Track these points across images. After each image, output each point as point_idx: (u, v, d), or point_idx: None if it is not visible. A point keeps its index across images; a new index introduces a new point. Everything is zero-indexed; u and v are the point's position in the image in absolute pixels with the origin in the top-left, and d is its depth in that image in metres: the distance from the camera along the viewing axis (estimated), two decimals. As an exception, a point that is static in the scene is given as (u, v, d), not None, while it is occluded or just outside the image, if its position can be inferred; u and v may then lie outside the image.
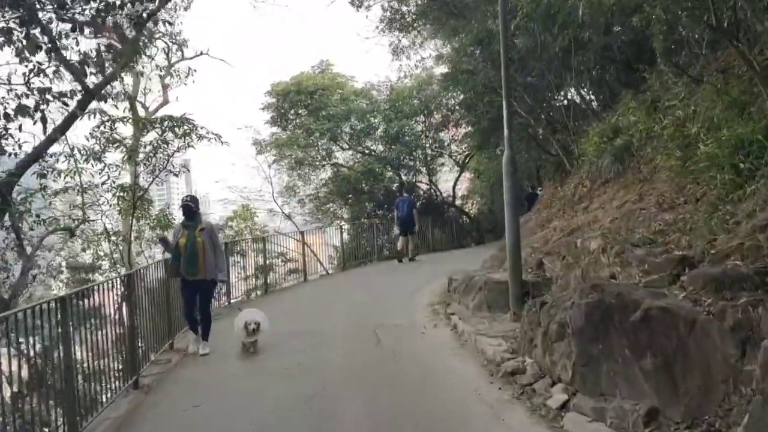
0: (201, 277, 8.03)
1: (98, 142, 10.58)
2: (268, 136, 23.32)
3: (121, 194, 11.06)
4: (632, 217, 7.78)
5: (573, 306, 5.22)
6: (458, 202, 27.61)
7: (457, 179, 27.12)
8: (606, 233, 7.80)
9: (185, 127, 10.74)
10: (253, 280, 15.54)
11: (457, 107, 19.31)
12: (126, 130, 11.58)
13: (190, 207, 8.12)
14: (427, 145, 25.34)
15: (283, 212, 23.16)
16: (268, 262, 16.18)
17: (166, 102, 14.79)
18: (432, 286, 12.80)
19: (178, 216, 11.03)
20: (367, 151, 24.29)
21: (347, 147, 24.30)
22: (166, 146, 10.94)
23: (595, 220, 9.28)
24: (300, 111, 23.57)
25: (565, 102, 11.96)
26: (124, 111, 12.58)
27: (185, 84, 14.78)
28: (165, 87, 14.94)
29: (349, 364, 7.06)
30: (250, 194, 22.27)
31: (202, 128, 10.86)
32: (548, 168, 14.34)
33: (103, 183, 10.60)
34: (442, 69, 25.38)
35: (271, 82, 23.90)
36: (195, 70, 14.90)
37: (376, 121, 23.92)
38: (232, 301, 12.94)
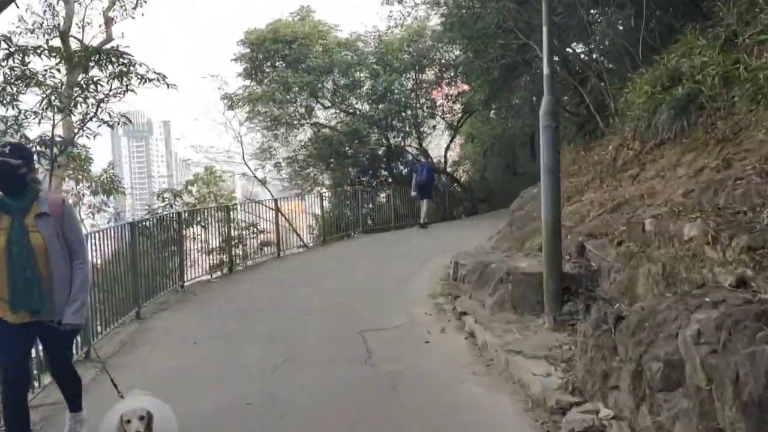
0: (46, 318, 3.84)
1: (7, 79, 8.13)
2: (240, 90, 20.75)
3: (41, 149, 8.65)
4: (722, 189, 5.59)
5: (727, 350, 3.02)
6: (449, 168, 25.40)
7: (449, 144, 24.84)
8: (681, 209, 5.66)
9: (120, 64, 8.27)
10: (217, 255, 13.26)
11: (461, 54, 16.68)
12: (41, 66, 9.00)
13: (11, 168, 3.72)
14: (418, 105, 22.96)
15: (255, 177, 20.73)
16: (235, 233, 13.93)
17: (109, 39, 12.20)
18: (429, 267, 10.66)
19: (128, 178, 8.48)
20: (351, 110, 21.84)
21: (329, 105, 21.81)
22: (95, 88, 8.47)
23: (652, 192, 7.11)
24: (276, 63, 20.98)
25: (601, 45, 9.65)
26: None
27: (132, 17, 12.18)
28: (108, 21, 12.33)
29: (328, 402, 4.83)
30: (218, 155, 19.87)
31: (141, 65, 8.40)
32: (568, 129, 12.09)
33: (4, 132, 8.14)
34: (436, 20, 23.00)
35: (245, 30, 21.25)
36: (145, 1, 12.30)
37: (361, 75, 21.45)
38: (187, 283, 10.65)
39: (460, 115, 24.08)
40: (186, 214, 11.64)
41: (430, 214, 17.57)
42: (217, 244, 13.15)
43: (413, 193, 17.70)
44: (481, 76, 12.14)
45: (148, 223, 10.32)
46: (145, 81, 8.58)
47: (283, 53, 20.46)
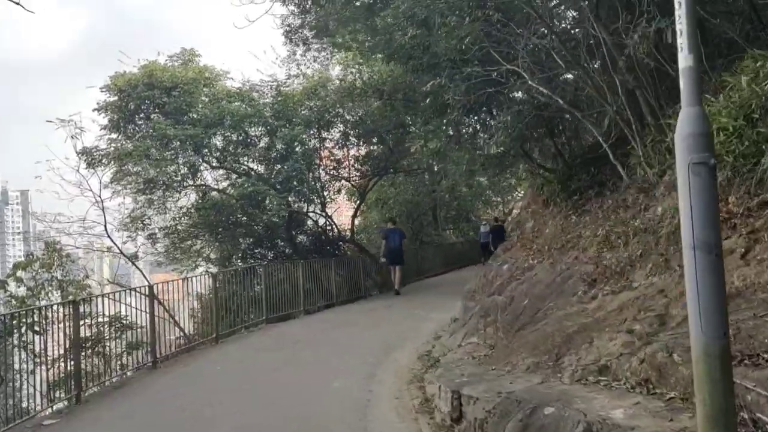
0: None
1: None
2: (105, 144, 16.72)
3: None
4: None
5: None
6: (357, 236, 22.40)
7: (357, 209, 21.89)
8: None
9: None
10: (64, 365, 9.19)
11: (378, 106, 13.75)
12: None
13: None
14: (322, 166, 19.96)
15: (123, 253, 16.52)
16: (92, 332, 10.04)
17: None
18: (386, 386, 7.37)
19: None
20: (245, 171, 18.36)
21: (217, 164, 18.22)
22: None
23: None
24: (152, 114, 17.27)
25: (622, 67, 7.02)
26: None
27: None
28: None
29: None
30: (71, 226, 15.58)
31: None
32: (546, 187, 9.45)
33: None
34: (338, 70, 20.43)
35: (112, 74, 17.38)
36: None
37: (257, 131, 18.19)
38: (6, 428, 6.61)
39: (368, 178, 21.34)
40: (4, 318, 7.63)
41: (401, 279, 17.24)
42: (63, 351, 9.14)
43: (382, 260, 17.41)
44: (435, 118, 9.28)
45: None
46: None
47: (160, 101, 16.83)
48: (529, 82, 7.29)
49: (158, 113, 17.10)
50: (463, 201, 32.61)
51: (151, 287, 10.13)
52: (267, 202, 17.03)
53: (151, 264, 20.43)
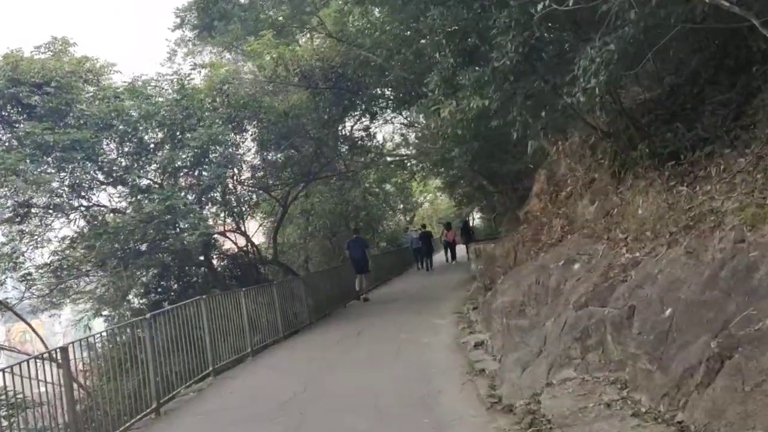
0: None
1: None
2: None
3: None
4: None
5: None
6: (281, 257, 19.26)
7: (279, 224, 18.79)
8: None
9: None
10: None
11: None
12: None
13: None
14: (237, 177, 16.69)
15: (4, 304, 12.44)
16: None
17: None
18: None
19: None
20: (146, 186, 14.69)
21: (112, 179, 14.43)
22: None
23: None
24: (19, 119, 13.36)
25: None
26: None
27: None
28: None
29: None
30: None
31: None
32: (620, 155, 7.19)
33: None
34: (250, 66, 17.39)
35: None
36: None
37: (156, 135, 14.67)
38: None
39: (290, 187, 18.35)
40: None
41: (367, 286, 17.98)
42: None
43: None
44: (461, 69, 6.57)
45: None
46: None
47: (29, 101, 12.92)
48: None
49: (27, 117, 13.22)
50: (372, 209, 30.44)
51: (65, 349, 6.69)
52: (182, 220, 13.57)
53: (28, 311, 16.10)
